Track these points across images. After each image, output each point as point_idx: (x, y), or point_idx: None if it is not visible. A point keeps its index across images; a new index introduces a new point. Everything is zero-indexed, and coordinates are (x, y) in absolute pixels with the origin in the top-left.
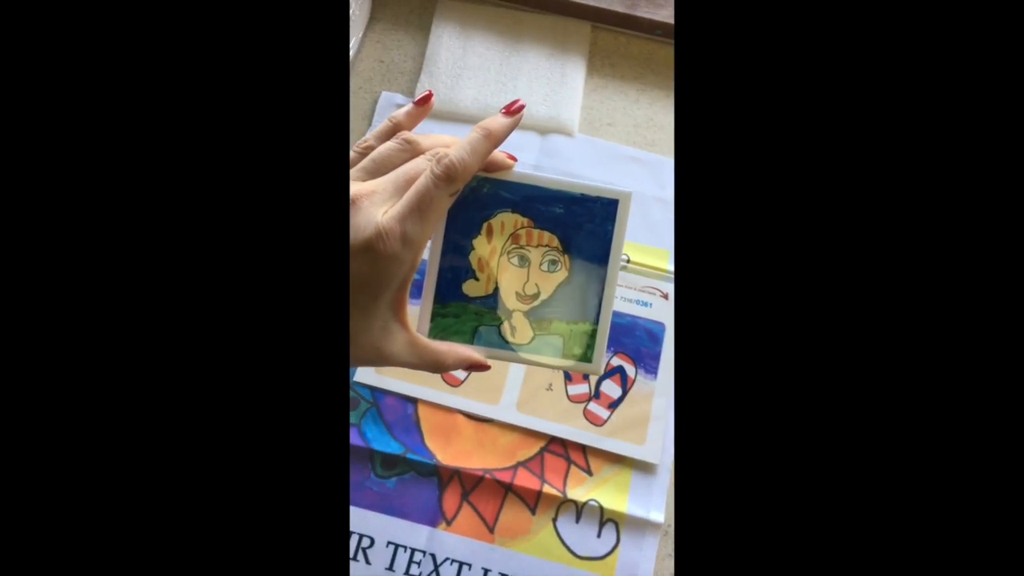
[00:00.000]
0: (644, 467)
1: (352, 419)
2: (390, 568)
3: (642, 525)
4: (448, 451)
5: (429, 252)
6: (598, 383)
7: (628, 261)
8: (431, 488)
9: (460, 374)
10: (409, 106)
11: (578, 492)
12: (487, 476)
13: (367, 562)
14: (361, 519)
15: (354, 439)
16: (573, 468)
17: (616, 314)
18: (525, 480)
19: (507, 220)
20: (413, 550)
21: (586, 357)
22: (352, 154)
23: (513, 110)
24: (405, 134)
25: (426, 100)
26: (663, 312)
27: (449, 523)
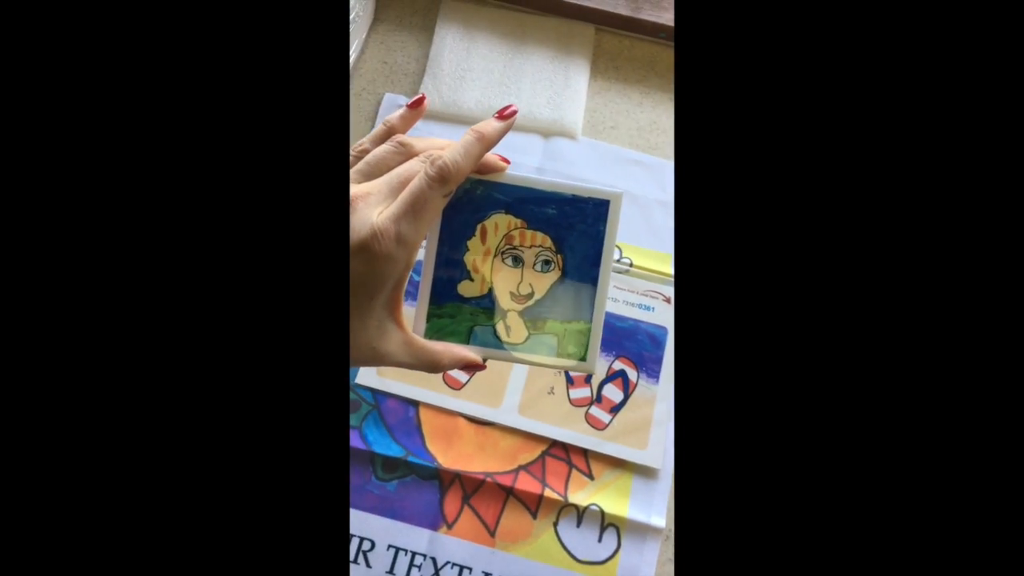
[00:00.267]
0: (645, 472)
1: (353, 421)
2: (391, 571)
3: (643, 530)
4: (449, 454)
5: (424, 254)
6: (600, 387)
7: (631, 265)
8: (432, 491)
9: (462, 377)
10: (403, 109)
11: (579, 496)
12: (488, 480)
13: (368, 565)
14: (362, 522)
15: (355, 442)
16: (574, 472)
17: (618, 318)
18: (526, 484)
19: (500, 221)
20: (414, 553)
21: (580, 356)
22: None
23: (506, 115)
24: (399, 137)
25: (419, 103)
26: (665, 316)
27: (450, 526)
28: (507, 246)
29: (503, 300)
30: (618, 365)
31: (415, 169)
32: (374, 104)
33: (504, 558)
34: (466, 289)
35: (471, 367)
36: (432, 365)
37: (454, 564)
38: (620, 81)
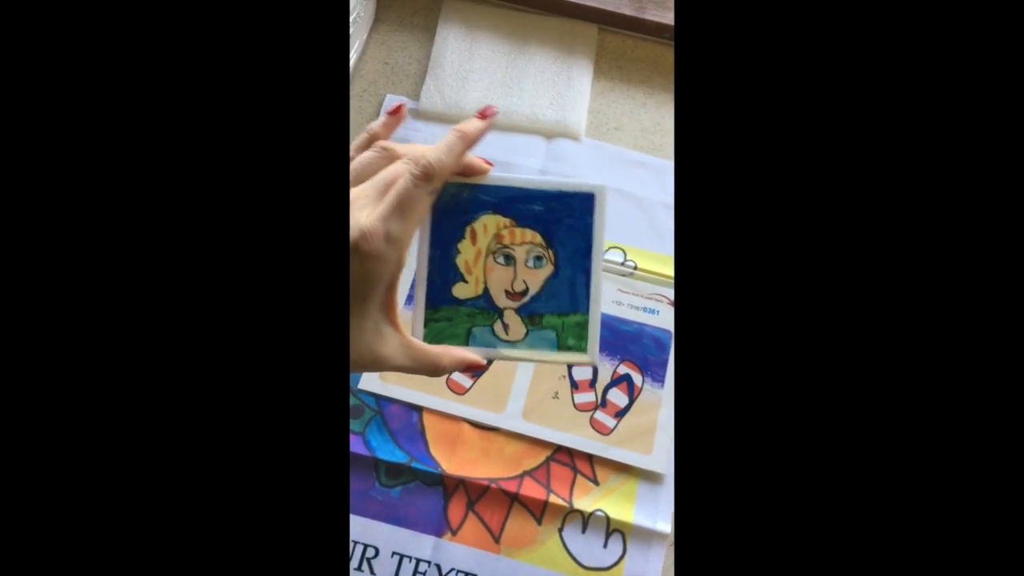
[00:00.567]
0: (651, 477)
1: (356, 427)
2: None
3: (649, 535)
4: (453, 460)
5: (417, 260)
6: (604, 391)
7: (635, 268)
8: (436, 497)
9: (465, 381)
10: (383, 116)
11: (584, 502)
12: (493, 485)
13: (372, 573)
14: (366, 529)
15: (358, 448)
16: (579, 478)
17: (622, 321)
18: (531, 490)
19: (489, 222)
20: (418, 560)
21: (580, 348)
22: None
23: (488, 114)
24: (382, 143)
25: (398, 110)
26: (670, 319)
27: (454, 533)
28: (498, 245)
29: (499, 299)
30: (623, 369)
31: (400, 171)
32: (376, 106)
33: (509, 564)
34: (461, 291)
35: (472, 368)
36: (432, 368)
37: (459, 571)
38: (624, 82)
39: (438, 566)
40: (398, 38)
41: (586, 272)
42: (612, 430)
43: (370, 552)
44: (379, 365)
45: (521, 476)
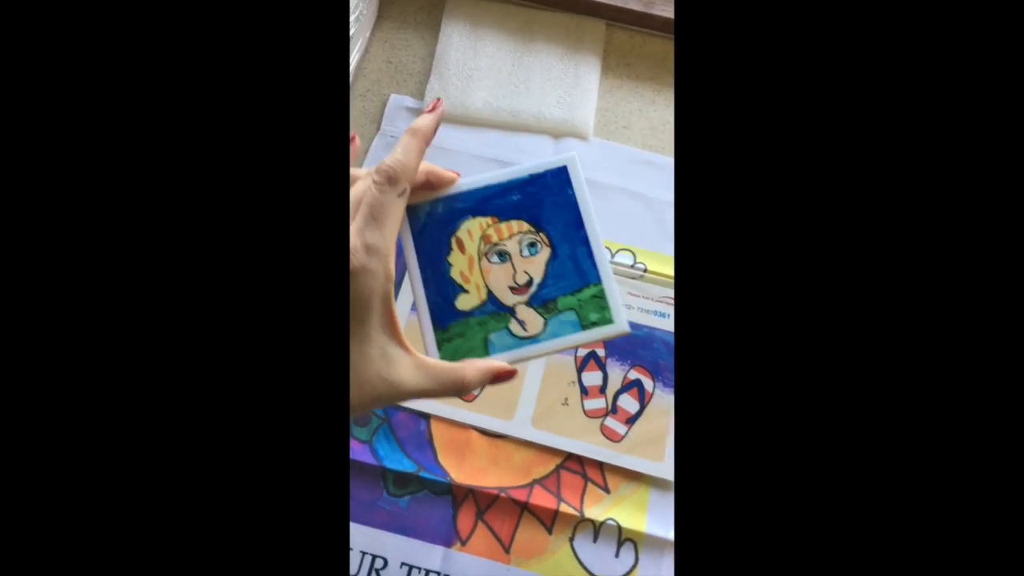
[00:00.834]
0: (663, 484)
1: (363, 436)
2: None
3: (661, 544)
4: (462, 468)
5: (411, 288)
6: (615, 397)
7: (645, 271)
8: (445, 507)
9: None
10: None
11: (595, 511)
12: (502, 494)
13: None
14: (374, 539)
15: (366, 457)
16: (590, 486)
17: (632, 325)
18: (541, 498)
19: (472, 227)
20: (427, 571)
21: (606, 319)
22: None
23: (434, 107)
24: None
25: (351, 141)
26: None
27: (464, 543)
28: (488, 246)
29: (505, 298)
30: (633, 375)
31: (363, 187)
32: (379, 106)
33: (519, 575)
34: (465, 302)
35: (502, 376)
36: (458, 385)
37: None
38: (632, 79)
39: None
40: (401, 36)
41: (584, 242)
42: (623, 437)
43: (379, 563)
44: (397, 392)
45: (531, 484)
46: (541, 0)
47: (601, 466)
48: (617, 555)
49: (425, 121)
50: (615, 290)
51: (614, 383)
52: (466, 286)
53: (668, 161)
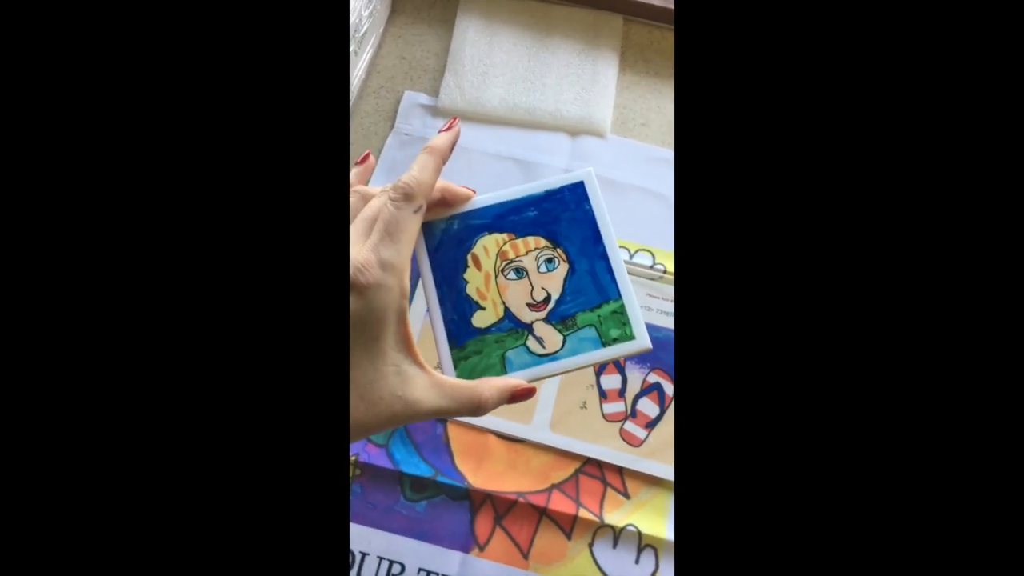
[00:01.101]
0: None
1: (380, 440)
2: None
3: None
4: (480, 473)
5: (427, 305)
6: (634, 401)
7: (664, 271)
8: (463, 512)
9: None
10: (353, 167)
11: (615, 516)
12: (520, 500)
13: None
14: (391, 544)
15: (383, 461)
16: (609, 491)
17: (652, 328)
18: (560, 504)
19: (488, 243)
20: None
21: (626, 336)
22: None
23: (451, 126)
24: (357, 187)
25: (365, 159)
26: None
27: (482, 548)
28: (504, 263)
29: (522, 314)
30: (653, 378)
31: (379, 204)
32: (393, 103)
33: None
34: (481, 319)
35: (519, 395)
36: (475, 404)
37: None
38: (651, 75)
39: None
40: (415, 31)
41: (603, 257)
42: (643, 441)
43: (396, 568)
44: (413, 411)
45: (549, 490)
46: None
47: (620, 471)
48: (637, 561)
49: (442, 139)
50: (636, 305)
51: (633, 387)
52: (483, 303)
53: None
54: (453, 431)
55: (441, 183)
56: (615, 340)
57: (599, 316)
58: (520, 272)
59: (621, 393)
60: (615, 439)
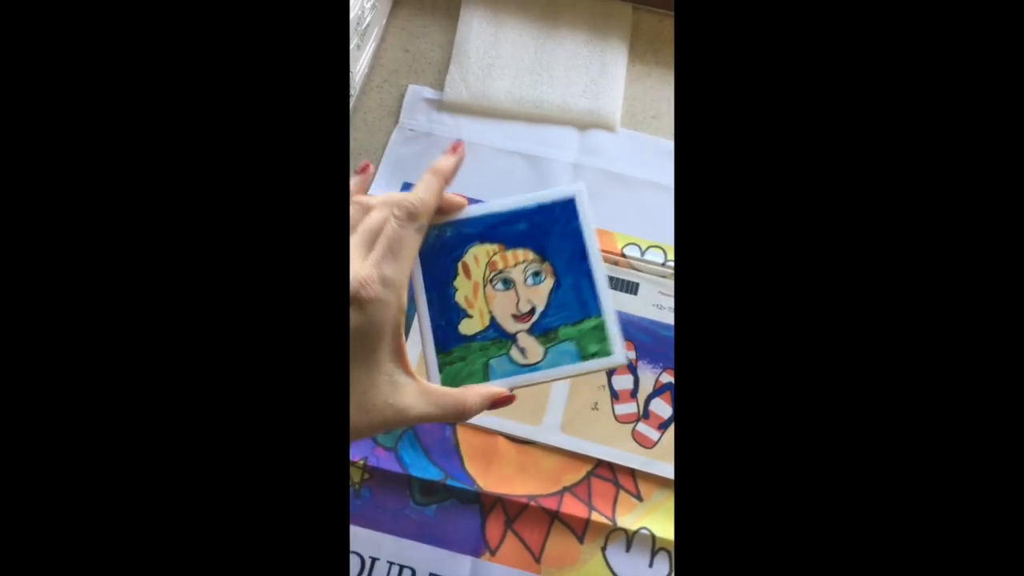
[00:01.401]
0: None
1: (388, 443)
2: None
3: None
4: (489, 476)
5: (416, 310)
6: (647, 402)
7: (665, 261)
8: (473, 516)
9: None
10: (352, 176)
11: (628, 519)
12: (532, 503)
13: None
14: (401, 549)
15: (391, 465)
16: (622, 493)
17: (664, 327)
18: (572, 507)
19: (479, 253)
20: None
21: (605, 352)
22: None
23: (456, 148)
24: (357, 197)
25: (365, 168)
26: None
27: (493, 553)
28: (493, 272)
29: (507, 325)
30: (665, 378)
31: (383, 217)
32: (397, 97)
33: None
34: (468, 327)
35: (500, 402)
36: (458, 410)
37: None
38: (661, 66)
39: None
40: (419, 22)
41: (588, 275)
42: (656, 443)
43: (406, 573)
44: (403, 418)
45: (561, 492)
46: None
47: (633, 473)
48: (651, 564)
49: (447, 162)
50: (615, 323)
51: (645, 387)
52: (470, 311)
53: None
54: (462, 433)
55: None
56: (593, 355)
57: (580, 331)
58: (508, 283)
59: (633, 394)
60: (628, 441)
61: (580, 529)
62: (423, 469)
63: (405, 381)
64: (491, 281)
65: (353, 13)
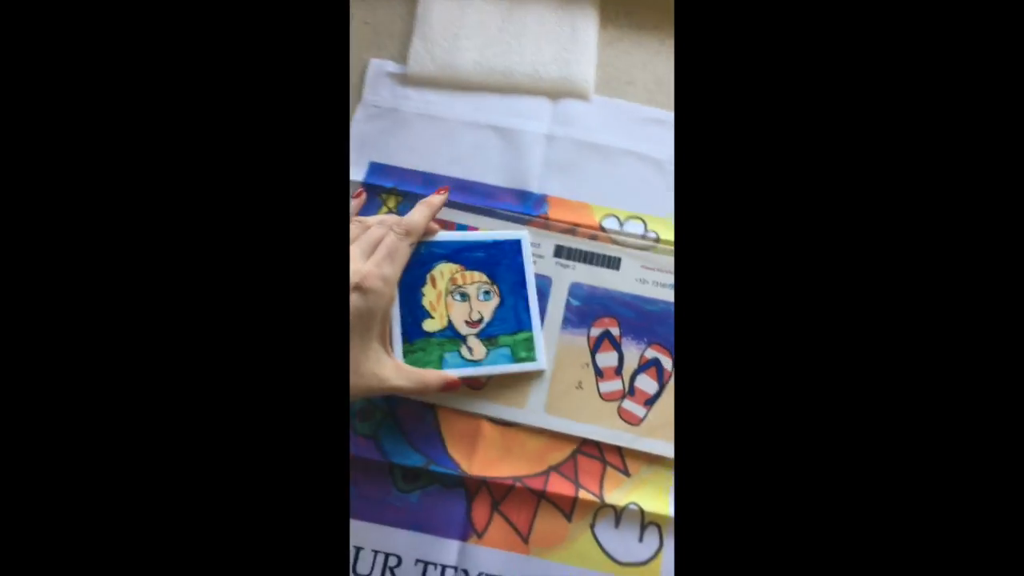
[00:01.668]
0: None
1: (367, 430)
2: None
3: None
4: (474, 460)
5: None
6: (632, 378)
7: (657, 240)
8: (458, 500)
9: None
10: (352, 200)
11: (616, 495)
12: (517, 484)
13: None
14: (386, 537)
15: (371, 453)
16: (609, 470)
17: (647, 301)
18: (558, 486)
19: (444, 269)
20: (444, 567)
21: (531, 358)
22: None
23: (444, 191)
24: (356, 217)
25: (359, 195)
26: None
27: (480, 536)
28: (453, 286)
29: (460, 328)
30: (651, 353)
31: (380, 232)
32: (358, 73)
33: (540, 565)
34: (430, 325)
35: (451, 386)
36: (422, 384)
37: (488, 575)
38: (634, 28)
39: (465, 571)
40: None
41: (525, 299)
42: (642, 419)
43: (392, 561)
44: (382, 385)
45: (547, 472)
46: None
47: (620, 449)
48: (641, 539)
49: (437, 199)
50: (541, 337)
51: (630, 363)
52: (433, 313)
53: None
54: (444, 418)
55: None
56: (522, 359)
57: (515, 340)
58: (464, 296)
59: (618, 371)
60: (614, 418)
61: (568, 508)
62: (405, 456)
63: (386, 358)
64: (451, 293)
65: None
